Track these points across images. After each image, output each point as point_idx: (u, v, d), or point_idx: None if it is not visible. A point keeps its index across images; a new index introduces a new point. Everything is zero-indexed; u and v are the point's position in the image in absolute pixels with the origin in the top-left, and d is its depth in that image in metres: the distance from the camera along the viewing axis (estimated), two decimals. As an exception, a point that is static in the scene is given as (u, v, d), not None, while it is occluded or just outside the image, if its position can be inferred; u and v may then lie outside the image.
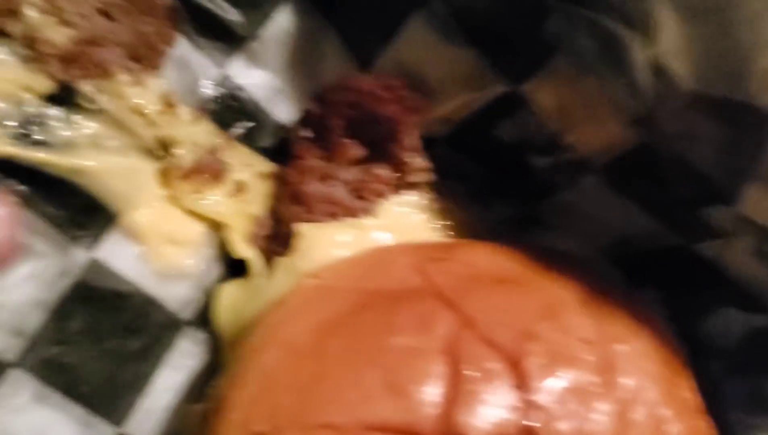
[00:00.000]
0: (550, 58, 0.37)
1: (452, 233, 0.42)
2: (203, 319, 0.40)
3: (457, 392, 0.31)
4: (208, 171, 0.38)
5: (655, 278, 0.43)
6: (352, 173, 0.41)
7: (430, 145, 0.41)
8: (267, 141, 0.42)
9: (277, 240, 0.40)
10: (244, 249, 0.40)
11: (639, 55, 0.35)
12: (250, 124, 0.41)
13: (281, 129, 0.42)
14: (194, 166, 0.38)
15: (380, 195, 0.41)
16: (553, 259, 0.39)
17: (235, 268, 0.40)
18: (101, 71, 0.35)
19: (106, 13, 0.36)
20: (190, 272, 0.39)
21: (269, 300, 0.38)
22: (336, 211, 0.40)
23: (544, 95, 0.38)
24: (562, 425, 0.31)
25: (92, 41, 0.35)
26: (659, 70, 0.35)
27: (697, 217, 0.38)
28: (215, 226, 0.40)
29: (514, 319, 0.34)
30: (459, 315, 0.34)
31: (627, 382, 0.33)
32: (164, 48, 0.37)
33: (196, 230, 0.39)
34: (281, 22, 0.39)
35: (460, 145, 0.42)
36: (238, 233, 0.40)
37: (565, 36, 0.36)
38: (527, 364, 0.32)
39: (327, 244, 0.39)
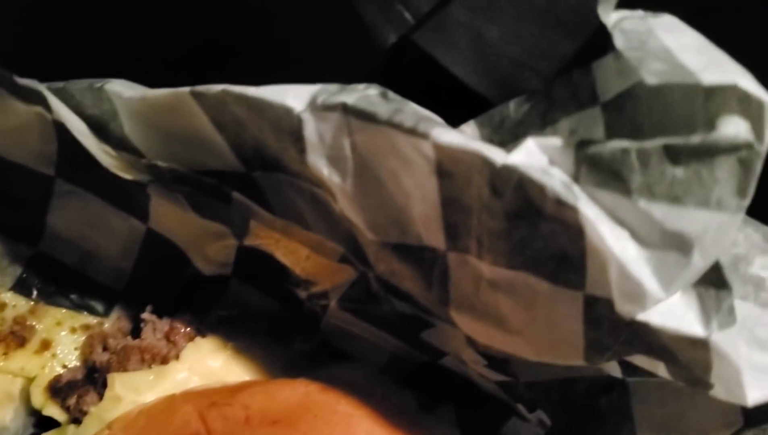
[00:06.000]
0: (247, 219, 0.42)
1: (253, 372, 0.46)
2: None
3: None
4: (14, 338, 0.43)
5: (450, 396, 0.47)
6: (161, 322, 0.45)
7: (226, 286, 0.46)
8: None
9: (90, 389, 0.45)
10: (41, 401, 0.43)
11: (335, 207, 0.37)
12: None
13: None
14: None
15: (189, 338, 0.45)
16: (338, 390, 0.43)
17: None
18: None
19: None
20: (6, 427, 0.43)
21: (75, 451, 0.42)
22: (146, 358, 0.45)
23: (264, 245, 0.43)
24: None
25: None
26: (346, 218, 0.37)
27: (422, 340, 0.42)
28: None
29: (272, 460, 0.38)
30: (222, 460, 0.38)
31: None
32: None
33: (11, 387, 0.43)
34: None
35: (250, 279, 0.46)
36: (40, 386, 0.44)
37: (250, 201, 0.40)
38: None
39: (134, 391, 0.43)
